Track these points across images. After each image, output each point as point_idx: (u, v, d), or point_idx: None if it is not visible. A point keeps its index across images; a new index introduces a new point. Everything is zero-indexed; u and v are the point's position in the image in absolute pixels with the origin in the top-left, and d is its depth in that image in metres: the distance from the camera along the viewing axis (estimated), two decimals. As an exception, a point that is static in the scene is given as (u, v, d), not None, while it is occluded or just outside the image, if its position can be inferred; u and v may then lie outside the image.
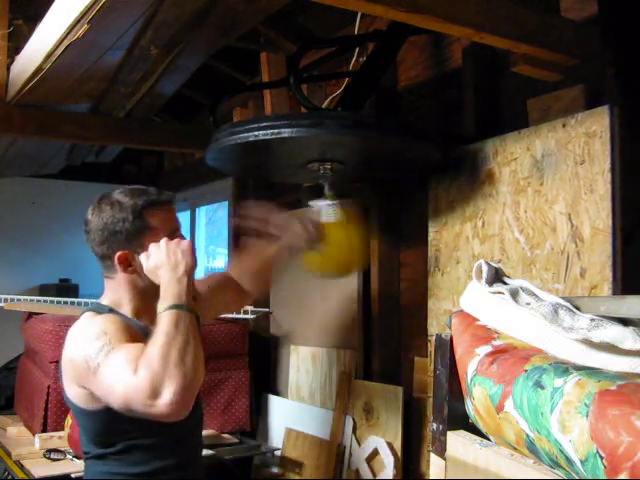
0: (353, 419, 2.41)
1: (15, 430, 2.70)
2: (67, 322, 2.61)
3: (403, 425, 2.21)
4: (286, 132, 1.67)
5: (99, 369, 1.25)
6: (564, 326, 1.12)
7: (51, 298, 3.49)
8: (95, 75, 2.28)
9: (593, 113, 1.63)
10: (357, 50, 2.41)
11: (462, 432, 1.28)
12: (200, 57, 2.41)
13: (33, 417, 2.64)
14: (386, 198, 2.44)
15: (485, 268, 1.33)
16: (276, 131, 1.68)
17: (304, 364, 2.73)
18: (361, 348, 2.47)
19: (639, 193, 1.62)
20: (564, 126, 1.70)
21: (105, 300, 1.49)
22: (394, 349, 2.43)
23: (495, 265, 1.37)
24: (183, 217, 4.00)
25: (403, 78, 2.44)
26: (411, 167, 2.17)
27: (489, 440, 1.22)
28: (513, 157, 1.85)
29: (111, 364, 1.25)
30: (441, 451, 1.31)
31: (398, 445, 2.21)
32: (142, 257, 1.40)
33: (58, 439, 2.42)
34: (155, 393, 1.16)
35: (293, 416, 2.73)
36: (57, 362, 2.51)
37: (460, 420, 1.30)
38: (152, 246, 1.39)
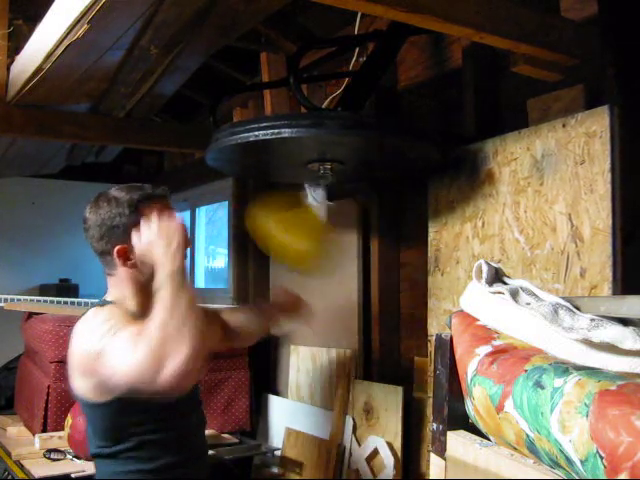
0: (353, 419, 2.41)
1: (15, 430, 2.70)
2: (67, 322, 2.61)
3: (403, 425, 2.21)
4: (286, 132, 1.67)
5: (105, 350, 1.27)
6: (564, 326, 1.12)
7: (51, 298, 3.50)
8: (95, 75, 2.28)
9: (593, 113, 1.63)
10: (357, 50, 2.41)
11: (462, 432, 1.28)
12: (200, 57, 2.41)
13: (33, 417, 2.64)
14: (386, 198, 2.45)
15: (485, 268, 1.33)
16: (276, 131, 1.68)
17: (304, 364, 2.73)
18: (361, 348, 2.47)
19: (639, 193, 1.62)
20: (564, 126, 1.70)
21: (109, 297, 1.51)
22: (394, 349, 2.43)
23: (495, 265, 1.37)
24: (183, 217, 3.99)
25: (403, 78, 2.44)
26: (411, 167, 2.17)
27: (489, 440, 1.22)
28: (513, 157, 1.85)
29: (115, 345, 1.26)
30: (441, 451, 1.31)
31: (398, 445, 2.21)
32: (134, 236, 1.41)
33: (58, 439, 2.42)
34: (157, 367, 1.16)
35: (293, 416, 2.73)
36: (57, 362, 2.55)
37: (460, 420, 1.30)
38: (143, 224, 1.40)
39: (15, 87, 2.32)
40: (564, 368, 1.03)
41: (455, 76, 2.17)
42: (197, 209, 4.24)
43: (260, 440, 2.88)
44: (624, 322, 1.08)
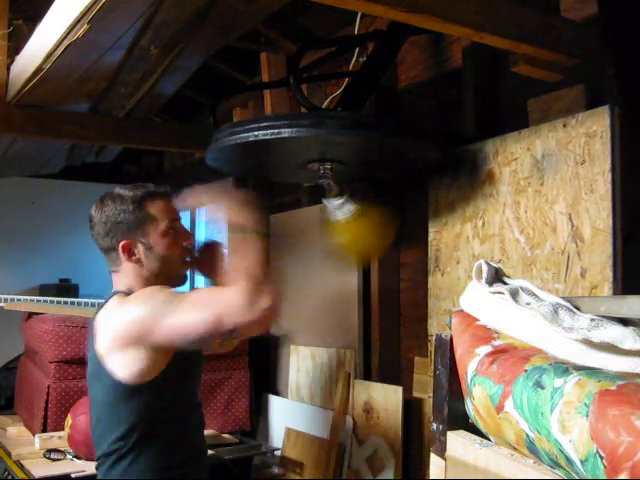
0: (353, 419, 2.41)
1: (15, 430, 2.70)
2: (67, 322, 2.61)
3: (403, 425, 2.21)
4: (286, 132, 1.67)
5: (176, 304, 1.33)
6: (564, 326, 1.12)
7: (51, 298, 3.50)
8: (95, 75, 2.28)
9: (593, 113, 1.63)
10: (357, 50, 2.41)
11: (462, 432, 1.28)
12: (200, 57, 2.42)
13: (33, 417, 2.63)
14: (386, 198, 2.44)
15: (485, 268, 1.33)
16: (276, 131, 1.68)
17: (304, 364, 2.73)
18: (361, 348, 2.47)
19: (639, 193, 1.62)
20: (564, 126, 1.70)
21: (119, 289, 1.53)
22: (394, 349, 2.43)
23: (495, 265, 1.37)
24: (183, 217, 3.99)
25: (403, 78, 2.44)
26: (411, 167, 2.17)
27: (489, 440, 1.21)
28: (513, 157, 1.85)
29: (195, 295, 1.39)
30: (441, 451, 1.30)
31: (398, 445, 2.21)
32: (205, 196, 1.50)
33: (58, 439, 2.42)
34: (252, 300, 1.27)
35: (293, 416, 2.73)
36: (57, 362, 2.55)
37: (460, 420, 1.29)
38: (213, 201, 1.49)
39: (15, 87, 2.32)
40: (564, 368, 1.03)
41: (455, 76, 2.17)
42: (197, 209, 4.23)
43: (260, 440, 2.88)
44: (624, 322, 1.08)
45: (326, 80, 2.68)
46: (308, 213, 2.72)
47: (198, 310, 1.32)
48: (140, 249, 1.50)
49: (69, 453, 2.36)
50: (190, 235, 1.63)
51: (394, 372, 2.40)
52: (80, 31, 1.72)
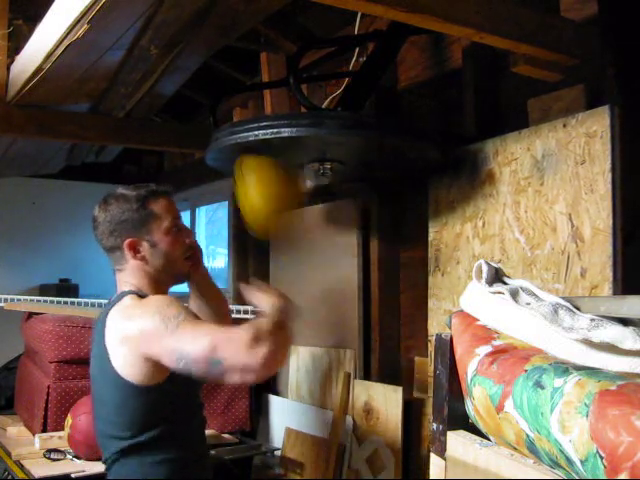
0: (353, 419, 2.41)
1: (15, 430, 2.70)
2: (67, 322, 2.61)
3: (403, 425, 2.21)
4: (286, 132, 1.67)
5: (180, 325, 1.33)
6: (564, 326, 1.12)
7: (51, 298, 3.50)
8: (95, 75, 2.28)
9: (593, 113, 1.63)
10: (357, 50, 2.41)
11: (462, 432, 1.28)
12: (200, 57, 2.41)
13: (33, 417, 2.64)
14: (386, 198, 2.44)
15: (485, 268, 1.33)
16: (276, 131, 1.68)
17: (304, 364, 2.73)
18: (361, 348, 2.47)
19: (639, 193, 1.62)
20: (564, 126, 1.70)
21: (126, 289, 1.53)
22: (394, 349, 2.43)
23: (495, 265, 1.37)
24: (183, 217, 4.00)
25: (403, 78, 2.44)
26: (411, 167, 2.17)
27: (489, 440, 1.21)
28: (513, 157, 1.85)
29: (199, 322, 1.41)
30: (441, 451, 1.31)
31: (398, 445, 2.21)
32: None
33: (58, 439, 2.42)
34: (255, 343, 1.27)
35: (293, 416, 2.73)
36: (57, 362, 2.55)
37: (460, 420, 1.30)
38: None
39: (15, 87, 2.32)
40: (564, 368, 1.03)
41: (455, 76, 2.17)
42: (197, 209, 4.24)
43: (260, 440, 2.88)
44: (624, 322, 1.08)
45: (326, 80, 2.68)
46: (308, 213, 2.72)
47: (197, 334, 1.32)
48: (145, 247, 1.52)
49: (69, 453, 2.36)
50: (191, 233, 1.66)
51: (394, 372, 2.40)
52: (80, 31, 1.72)
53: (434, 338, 1.40)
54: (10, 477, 2.44)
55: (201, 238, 4.28)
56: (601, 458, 0.89)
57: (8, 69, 2.38)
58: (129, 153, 4.10)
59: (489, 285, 1.31)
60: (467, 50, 2.08)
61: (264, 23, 2.54)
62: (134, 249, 1.52)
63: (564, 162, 1.69)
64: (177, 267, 1.58)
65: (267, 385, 3.01)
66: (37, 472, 2.20)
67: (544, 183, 1.75)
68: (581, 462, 0.93)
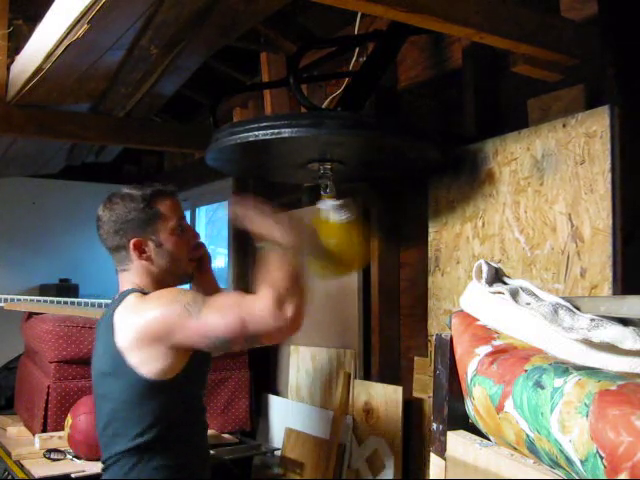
0: (353, 419, 2.41)
1: (15, 430, 2.70)
2: (67, 322, 2.61)
3: (403, 425, 2.21)
4: (286, 132, 1.67)
5: (203, 310, 1.34)
6: (564, 326, 1.12)
7: (51, 298, 3.50)
8: (95, 75, 2.28)
9: (593, 113, 1.63)
10: (357, 50, 2.41)
11: (462, 432, 1.28)
12: (200, 57, 2.41)
13: (33, 417, 2.63)
14: (386, 198, 2.44)
15: (485, 268, 1.33)
16: (276, 131, 1.68)
17: (304, 364, 2.73)
18: (361, 348, 2.47)
19: (639, 193, 1.62)
20: (564, 126, 1.70)
21: (130, 288, 1.52)
22: (394, 349, 2.43)
23: (495, 265, 1.37)
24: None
25: (403, 78, 2.44)
26: (411, 167, 2.17)
27: (489, 440, 1.21)
28: (513, 157, 1.85)
29: (220, 299, 1.40)
30: (441, 451, 1.31)
31: (398, 445, 2.21)
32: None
33: (58, 439, 2.42)
34: (277, 308, 1.29)
35: (293, 416, 2.73)
36: (57, 362, 2.55)
37: (460, 420, 1.29)
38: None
39: (15, 87, 2.32)
40: (564, 368, 1.03)
41: (455, 76, 2.17)
42: (197, 209, 4.24)
43: (260, 440, 2.88)
44: (624, 322, 1.08)
45: (326, 80, 2.68)
46: (308, 213, 2.72)
47: (223, 314, 1.34)
48: (150, 246, 1.52)
49: (69, 453, 2.36)
50: (197, 234, 1.67)
51: (394, 372, 2.40)
52: (80, 31, 1.72)
53: (434, 338, 1.40)
54: (10, 477, 2.44)
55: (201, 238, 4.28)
56: (601, 458, 0.89)
57: (8, 69, 2.38)
58: (129, 153, 4.10)
59: (489, 285, 1.31)
60: (467, 50, 2.08)
61: (264, 23, 2.54)
62: (140, 249, 1.51)
63: (564, 162, 1.69)
64: (182, 267, 1.58)
65: (267, 385, 3.01)
66: (37, 472, 2.21)
67: (544, 183, 1.75)
68: (581, 462, 0.93)
